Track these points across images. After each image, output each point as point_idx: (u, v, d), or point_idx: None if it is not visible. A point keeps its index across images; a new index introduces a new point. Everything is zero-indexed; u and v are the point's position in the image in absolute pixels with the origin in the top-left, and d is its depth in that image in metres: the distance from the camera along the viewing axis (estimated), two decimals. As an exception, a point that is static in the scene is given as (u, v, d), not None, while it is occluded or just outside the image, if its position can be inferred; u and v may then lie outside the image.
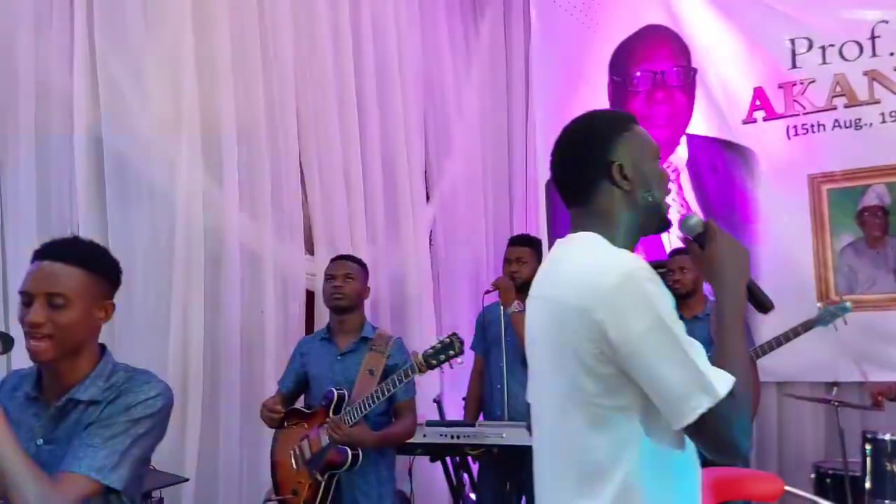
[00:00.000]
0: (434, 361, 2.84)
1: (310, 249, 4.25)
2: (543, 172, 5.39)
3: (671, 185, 5.08)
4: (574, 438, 1.37)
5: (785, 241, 4.61)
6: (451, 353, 2.85)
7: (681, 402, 1.27)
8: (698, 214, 1.53)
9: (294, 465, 2.96)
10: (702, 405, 1.26)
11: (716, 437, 1.28)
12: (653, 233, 1.52)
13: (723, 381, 1.28)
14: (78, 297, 1.60)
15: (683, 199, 5.07)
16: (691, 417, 1.27)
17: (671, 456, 1.36)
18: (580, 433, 1.36)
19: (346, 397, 2.89)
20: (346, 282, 3.05)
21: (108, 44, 3.41)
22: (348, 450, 2.80)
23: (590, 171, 1.47)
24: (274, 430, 3.10)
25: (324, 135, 4.32)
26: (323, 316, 4.22)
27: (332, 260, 3.23)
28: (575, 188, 1.50)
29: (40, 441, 1.61)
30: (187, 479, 3.27)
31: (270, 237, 3.94)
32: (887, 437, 3.47)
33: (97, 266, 1.67)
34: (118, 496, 1.63)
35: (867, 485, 3.50)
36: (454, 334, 2.92)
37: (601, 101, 5.25)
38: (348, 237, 4.37)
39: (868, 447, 3.50)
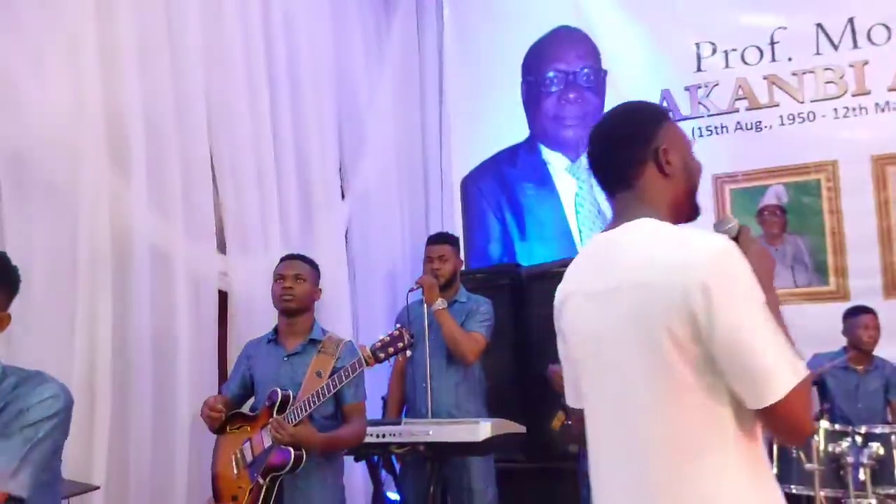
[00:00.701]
0: (382, 354, 2.78)
1: (222, 248, 4.10)
2: (458, 170, 5.42)
3: (583, 185, 5.21)
4: (673, 425, 1.34)
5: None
6: (400, 345, 2.79)
7: (770, 378, 1.27)
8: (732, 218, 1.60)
9: (234, 470, 2.84)
10: (790, 382, 1.27)
11: (793, 418, 1.29)
12: (683, 221, 1.52)
13: (801, 363, 1.31)
14: None
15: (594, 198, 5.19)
16: (779, 394, 1.26)
17: (753, 439, 1.36)
18: (678, 418, 1.33)
19: (292, 399, 2.78)
20: (297, 283, 2.94)
21: (-1, 27, 3.17)
22: (291, 450, 2.68)
23: (638, 155, 1.48)
24: (215, 437, 2.96)
25: (235, 130, 4.16)
26: (236, 316, 4.10)
27: (282, 259, 3.10)
28: (622, 172, 1.50)
29: None
30: (98, 487, 3.10)
31: (181, 236, 3.76)
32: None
33: None
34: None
35: (774, 471, 3.66)
36: (402, 327, 2.87)
37: (514, 100, 5.32)
38: (262, 235, 4.24)
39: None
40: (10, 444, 1.47)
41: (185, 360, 3.64)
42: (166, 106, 3.76)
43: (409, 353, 2.86)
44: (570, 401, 1.64)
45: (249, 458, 2.80)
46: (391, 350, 2.78)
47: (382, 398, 3.97)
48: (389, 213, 5.11)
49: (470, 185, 5.44)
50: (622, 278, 1.40)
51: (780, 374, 1.27)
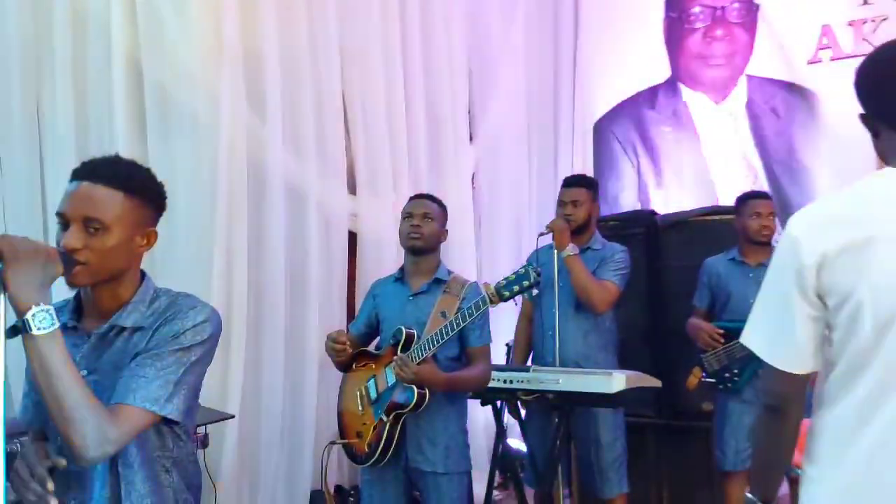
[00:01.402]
0: (507, 293, 2.65)
1: (352, 189, 4.12)
2: (592, 113, 5.20)
3: (726, 129, 4.88)
4: None
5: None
6: (526, 283, 2.65)
7: None
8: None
9: (359, 407, 2.83)
10: None
11: None
12: None
13: None
14: (118, 223, 1.48)
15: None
16: None
17: None
18: None
19: (416, 337, 2.73)
20: (425, 221, 2.85)
21: (147, -31, 3.26)
22: (414, 388, 2.64)
23: None
24: (342, 374, 2.96)
25: (367, 73, 4.17)
26: (365, 256, 4.14)
27: (412, 198, 3.02)
28: None
29: (84, 372, 1.50)
30: (233, 416, 3.23)
31: (313, 176, 3.82)
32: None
33: (140, 190, 1.54)
34: (172, 428, 1.55)
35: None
36: (529, 264, 2.75)
37: (654, 39, 5.02)
38: (391, 178, 4.24)
39: None
40: (165, 367, 1.48)
41: (315, 296, 3.72)
42: (301, 50, 3.81)
43: (535, 291, 2.72)
44: (799, 365, 1.39)
45: (374, 395, 2.79)
46: (517, 288, 2.65)
47: (507, 344, 3.89)
48: (518, 156, 5.00)
49: (604, 128, 5.21)
50: None
51: None
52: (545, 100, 5.29)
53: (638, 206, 5.04)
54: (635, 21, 5.08)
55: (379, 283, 3.07)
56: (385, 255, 4.00)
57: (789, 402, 1.42)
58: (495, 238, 4.89)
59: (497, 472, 3.71)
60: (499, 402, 3.29)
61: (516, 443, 3.90)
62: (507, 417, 3.38)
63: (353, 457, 2.86)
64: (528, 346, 3.64)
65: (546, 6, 5.33)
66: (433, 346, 2.66)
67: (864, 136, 4.37)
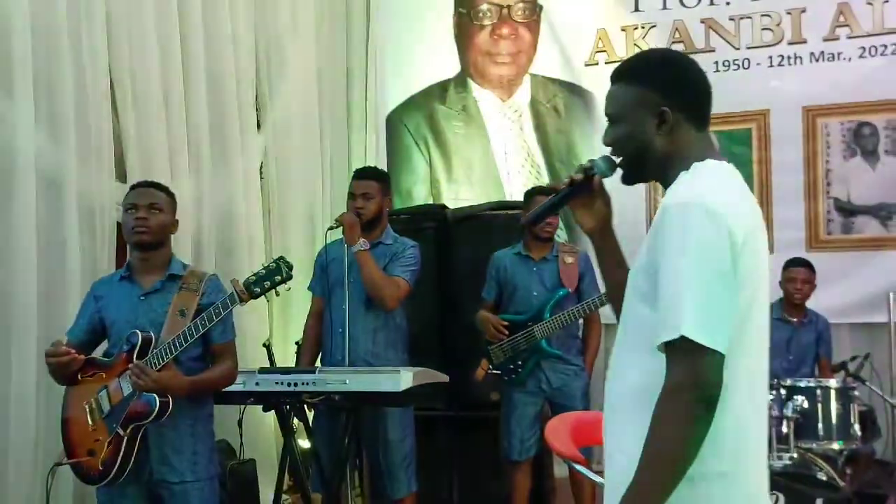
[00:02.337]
0: (258, 289, 2.51)
1: (122, 178, 3.75)
2: (383, 105, 5.14)
3: (512, 126, 5.01)
4: None
5: (619, 187, 4.68)
6: (278, 278, 2.52)
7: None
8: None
9: (90, 422, 2.54)
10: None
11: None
12: None
13: None
14: None
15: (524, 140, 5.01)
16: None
17: None
18: None
19: (153, 341, 2.50)
20: (152, 213, 2.59)
21: None
22: (155, 397, 2.42)
23: None
24: (64, 388, 2.63)
25: (139, 47, 3.79)
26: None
27: (133, 187, 2.74)
28: None
29: None
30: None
31: (73, 161, 3.42)
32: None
33: None
34: None
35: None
36: (281, 258, 2.60)
37: (446, 32, 5.06)
38: (167, 166, 3.90)
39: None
40: None
41: (78, 295, 3.31)
42: (59, 18, 3.37)
43: (288, 286, 2.58)
44: (721, 343, 1.28)
45: (107, 407, 2.52)
46: (268, 284, 2.51)
47: (297, 343, 3.73)
48: (309, 145, 4.81)
49: (396, 120, 5.17)
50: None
51: None
52: (338, 88, 5.16)
53: (430, 201, 5.05)
54: (428, 11, 5.08)
55: (101, 283, 2.77)
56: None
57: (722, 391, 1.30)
58: (287, 232, 4.68)
59: (286, 476, 3.55)
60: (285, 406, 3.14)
61: (305, 444, 3.76)
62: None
63: (84, 477, 2.56)
64: (318, 344, 3.50)
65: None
66: (174, 350, 2.45)
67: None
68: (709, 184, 1.39)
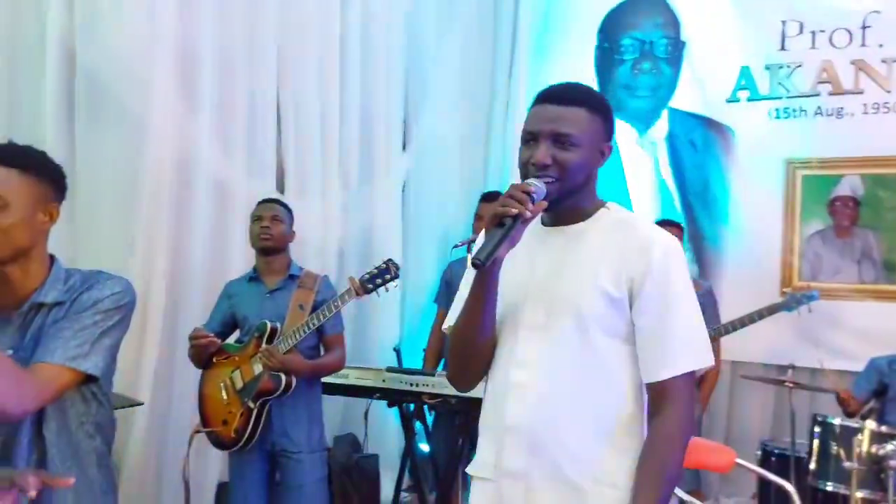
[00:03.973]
0: (370, 286, 2.93)
1: (281, 189, 4.18)
2: (522, 129, 5.34)
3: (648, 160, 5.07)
4: None
5: (755, 223, 4.65)
6: (388, 277, 2.94)
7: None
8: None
9: (224, 397, 3.00)
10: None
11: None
12: None
13: None
14: (16, 200, 1.55)
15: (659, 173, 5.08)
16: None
17: None
18: None
19: (278, 330, 2.95)
20: (274, 223, 3.08)
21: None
22: (282, 376, 2.87)
23: None
24: (201, 371, 3.12)
25: (302, 74, 4.22)
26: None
27: (260, 203, 3.24)
28: None
29: (9, 351, 1.57)
30: (142, 403, 3.24)
31: (241, 173, 3.86)
32: (837, 420, 3.55)
33: (36, 168, 1.61)
34: (92, 390, 1.62)
35: (812, 465, 3.58)
36: (389, 260, 3.01)
37: (587, 65, 5.22)
38: (320, 181, 4.30)
39: (817, 429, 3.57)
40: (83, 328, 1.56)
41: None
42: (237, 47, 3.84)
43: (395, 284, 2.98)
44: None
45: (240, 384, 2.96)
46: (379, 281, 2.93)
47: (395, 349, 4.01)
48: (447, 168, 5.10)
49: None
50: None
51: None
52: (478, 113, 5.41)
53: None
54: (571, 44, 5.26)
55: (233, 284, 3.25)
56: (307, 254, 4.06)
57: None
58: (422, 248, 4.97)
59: (407, 475, 3.82)
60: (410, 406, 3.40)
61: (425, 447, 3.99)
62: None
63: (218, 444, 3.05)
64: (440, 353, 3.75)
65: (486, 19, 5.41)
66: (298, 338, 2.89)
67: (772, 173, 4.68)
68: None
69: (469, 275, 1.54)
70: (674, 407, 1.43)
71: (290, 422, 2.97)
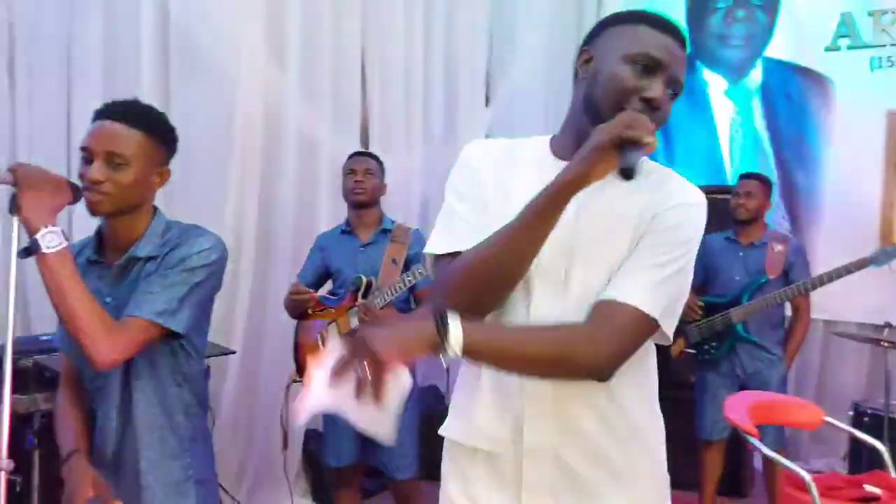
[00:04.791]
0: None
1: (365, 144, 4.24)
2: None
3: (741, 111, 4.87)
4: None
5: (853, 178, 4.46)
6: None
7: None
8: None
9: (322, 348, 3.00)
10: None
11: None
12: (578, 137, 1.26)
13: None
14: (136, 160, 1.62)
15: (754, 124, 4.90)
16: None
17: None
18: None
19: (374, 284, 2.95)
20: (367, 177, 3.06)
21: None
22: None
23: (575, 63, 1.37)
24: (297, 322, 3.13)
25: (387, 32, 4.25)
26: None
27: (351, 156, 3.21)
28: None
29: (108, 299, 1.66)
30: (234, 352, 3.39)
31: (328, 128, 3.94)
32: (935, 380, 3.41)
33: (156, 130, 1.68)
34: (181, 343, 1.69)
35: (906, 427, 3.46)
36: None
37: (678, 15, 5.04)
38: (404, 135, 4.35)
39: (913, 389, 3.44)
40: (172, 285, 1.61)
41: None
42: (324, 4, 3.89)
43: None
44: None
45: (337, 336, 2.97)
46: None
47: None
48: (531, 123, 5.04)
49: (618, 101, 5.25)
50: None
51: None
52: (564, 69, 5.30)
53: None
54: (659, -3, 5.08)
55: (325, 236, 3.24)
56: (391, 207, 4.11)
57: None
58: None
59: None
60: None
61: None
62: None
63: None
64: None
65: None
66: (392, 294, 2.87)
67: (873, 125, 4.45)
68: None
69: (503, 188, 1.31)
70: (600, 330, 1.20)
71: None
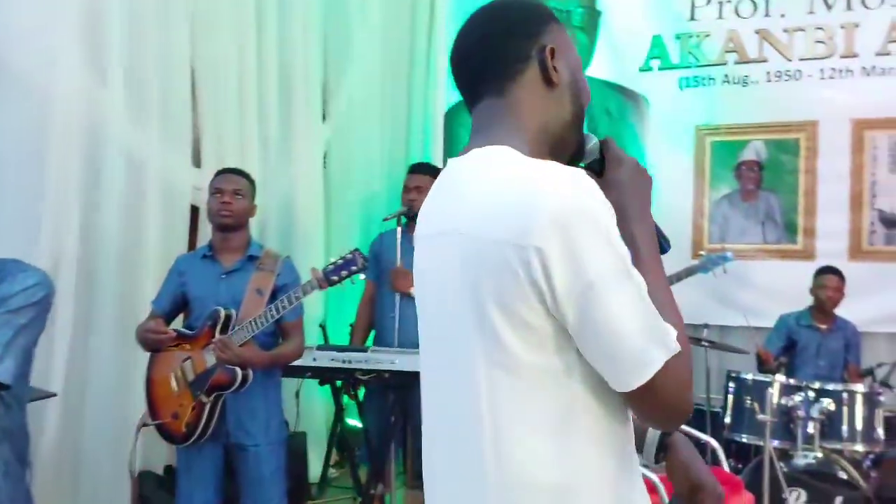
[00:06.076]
0: (335, 277, 2.75)
1: (197, 162, 4.03)
2: (443, 98, 5.33)
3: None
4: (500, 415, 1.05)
5: (668, 189, 4.82)
6: (354, 268, 2.76)
7: (638, 356, 0.99)
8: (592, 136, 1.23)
9: (175, 388, 2.78)
10: (658, 360, 1.00)
11: (666, 398, 1.01)
12: (566, 157, 1.18)
13: (672, 334, 1.02)
14: None
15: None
16: (647, 374, 0.99)
17: (620, 434, 1.08)
18: (503, 397, 1.05)
19: (234, 317, 2.73)
20: (235, 198, 2.83)
21: None
22: (237, 370, 2.65)
23: (521, 48, 1.14)
24: (149, 354, 2.89)
25: (217, 41, 4.05)
26: (206, 232, 4.05)
27: (219, 173, 2.97)
28: (495, 70, 1.15)
29: None
30: (55, 394, 3.08)
31: (156, 145, 3.70)
32: (749, 376, 3.75)
33: None
34: (2, 396, 1.50)
35: (727, 419, 3.78)
36: (356, 250, 2.82)
37: (505, 34, 5.21)
38: (239, 151, 4.17)
39: (731, 385, 3.77)
40: None
41: (152, 270, 3.59)
42: (147, 13, 3.65)
43: (362, 276, 2.82)
44: None
45: (191, 376, 2.75)
46: (344, 273, 2.75)
47: (320, 325, 3.94)
48: (370, 138, 5.03)
49: (454, 117, 5.37)
50: (454, 222, 1.09)
51: (647, 352, 0.99)
52: (400, 83, 5.34)
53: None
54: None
55: (184, 259, 3.01)
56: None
57: None
58: (345, 220, 4.90)
59: (334, 451, 3.80)
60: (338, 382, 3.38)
61: (356, 422, 4.00)
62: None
63: (168, 437, 2.81)
64: (369, 327, 3.74)
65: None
66: (255, 328, 2.69)
67: (683, 139, 4.80)
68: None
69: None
70: None
71: (246, 414, 2.77)
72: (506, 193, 1.04)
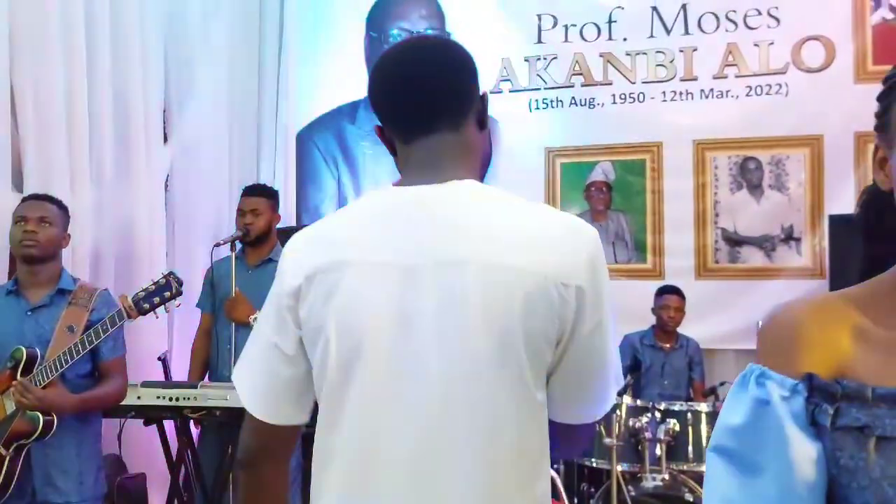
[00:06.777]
0: (146, 305, 2.56)
1: (18, 187, 3.75)
2: (295, 119, 5.22)
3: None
4: (512, 441, 1.07)
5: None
6: (167, 294, 2.57)
7: (612, 387, 1.14)
8: None
9: None
10: (614, 393, 1.16)
11: (592, 430, 1.16)
12: None
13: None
14: None
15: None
16: (611, 403, 1.16)
17: None
18: (517, 431, 1.08)
19: (39, 357, 2.51)
20: (42, 227, 2.60)
21: None
22: (39, 415, 2.42)
23: (470, 90, 1.19)
24: None
25: (42, 58, 3.80)
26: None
27: (24, 199, 2.75)
28: (450, 107, 1.17)
29: None
30: None
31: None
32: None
33: None
34: None
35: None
36: (171, 273, 2.64)
37: (357, 54, 5.17)
38: (67, 176, 3.91)
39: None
40: None
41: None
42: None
43: (178, 303, 2.64)
44: (261, 410, 1.23)
45: None
46: (157, 300, 2.56)
47: (159, 358, 3.78)
48: (217, 160, 4.85)
49: (306, 138, 5.25)
50: (468, 253, 1.08)
51: (614, 386, 1.15)
52: (248, 105, 5.20)
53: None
54: (339, 33, 5.18)
55: None
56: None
57: (263, 458, 1.25)
58: (191, 247, 4.68)
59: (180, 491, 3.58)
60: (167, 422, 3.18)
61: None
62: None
63: None
64: (206, 361, 3.56)
65: (252, 7, 5.23)
66: (60, 367, 2.47)
67: (533, 161, 4.84)
68: (332, 215, 1.28)
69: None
70: None
71: (56, 467, 2.50)
72: (545, 229, 1.10)
